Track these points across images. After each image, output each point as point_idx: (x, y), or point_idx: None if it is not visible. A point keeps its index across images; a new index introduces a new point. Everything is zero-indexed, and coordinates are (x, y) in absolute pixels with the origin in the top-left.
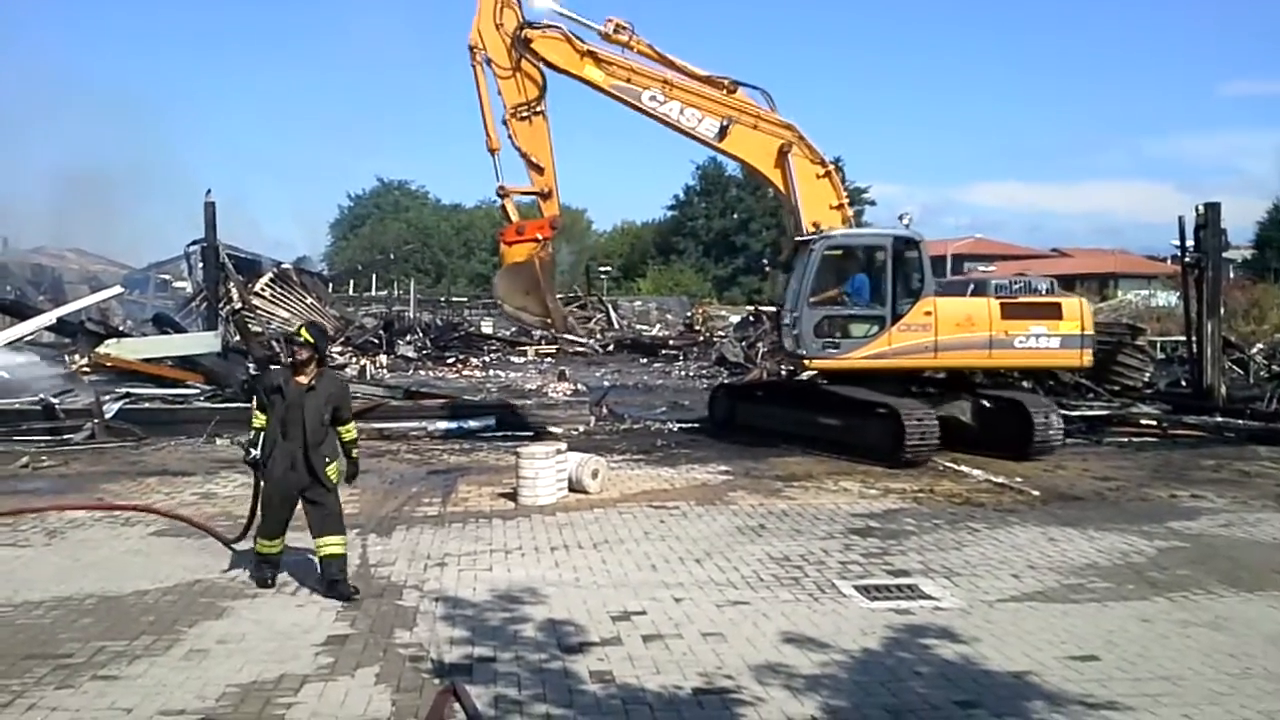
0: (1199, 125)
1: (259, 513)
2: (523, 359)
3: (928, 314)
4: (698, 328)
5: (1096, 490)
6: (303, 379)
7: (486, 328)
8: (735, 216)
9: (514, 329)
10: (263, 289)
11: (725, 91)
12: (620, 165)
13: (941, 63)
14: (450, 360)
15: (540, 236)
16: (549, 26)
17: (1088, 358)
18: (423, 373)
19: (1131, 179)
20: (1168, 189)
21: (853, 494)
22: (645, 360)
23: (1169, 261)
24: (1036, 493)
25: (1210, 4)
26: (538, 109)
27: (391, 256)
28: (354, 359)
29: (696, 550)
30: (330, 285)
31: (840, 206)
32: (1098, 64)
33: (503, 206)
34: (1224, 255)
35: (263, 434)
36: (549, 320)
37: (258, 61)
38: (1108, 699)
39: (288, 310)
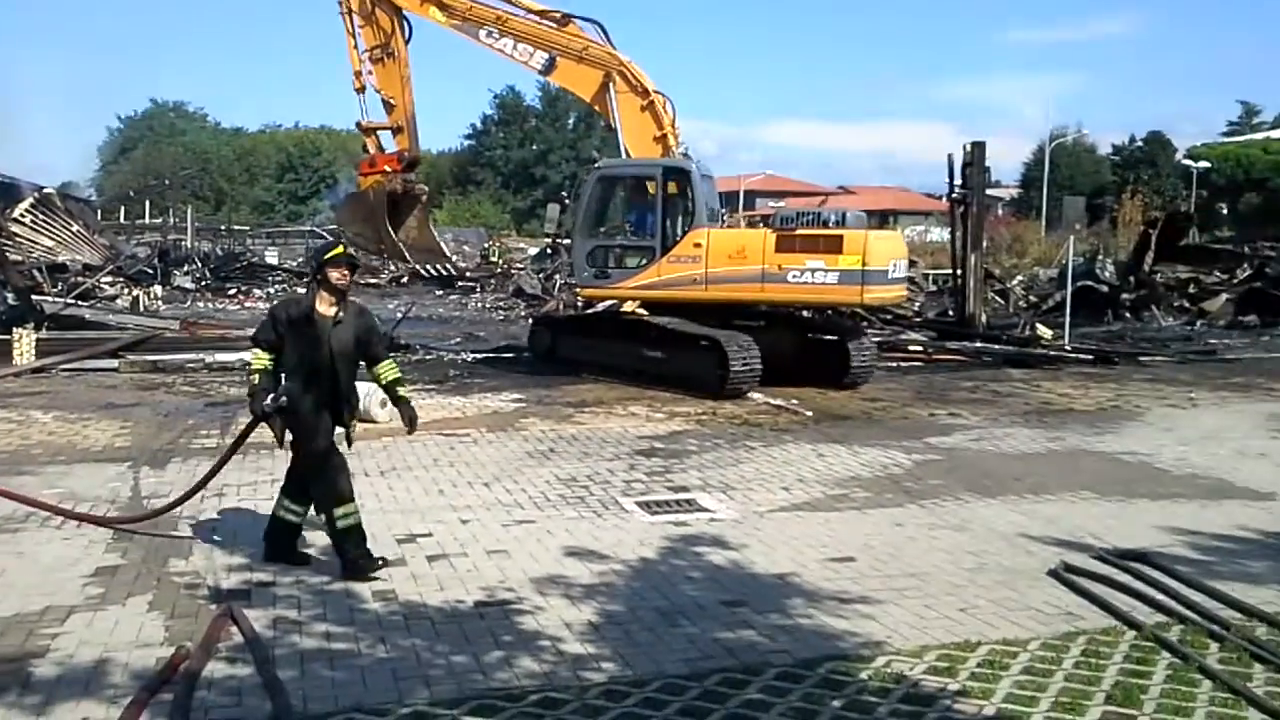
0: (978, 70)
1: (325, 480)
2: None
3: (698, 245)
4: (494, 259)
5: (864, 410)
6: (329, 310)
7: (271, 258)
8: (534, 148)
9: (300, 260)
10: (22, 215)
11: (557, 25)
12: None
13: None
14: (232, 291)
15: (389, 169)
16: None
17: (870, 295)
18: (201, 304)
19: (918, 120)
20: (949, 130)
21: (640, 418)
22: (441, 292)
23: (943, 199)
24: (810, 413)
25: None
26: (390, 50)
27: (167, 182)
28: (126, 290)
29: (485, 474)
30: (99, 213)
31: (662, 138)
32: (892, 7)
33: (364, 142)
34: (990, 192)
35: (272, 378)
36: (383, 247)
37: None
38: (860, 594)
39: (51, 239)
